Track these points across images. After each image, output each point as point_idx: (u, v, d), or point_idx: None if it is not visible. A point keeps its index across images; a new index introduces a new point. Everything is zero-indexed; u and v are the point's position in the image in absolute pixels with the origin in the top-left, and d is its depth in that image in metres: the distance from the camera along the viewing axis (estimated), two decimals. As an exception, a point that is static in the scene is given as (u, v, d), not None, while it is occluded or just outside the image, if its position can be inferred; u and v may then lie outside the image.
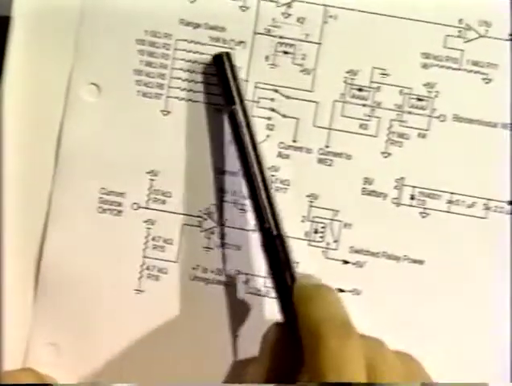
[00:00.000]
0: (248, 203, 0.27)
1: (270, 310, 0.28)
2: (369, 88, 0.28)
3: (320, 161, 0.28)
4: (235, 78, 0.26)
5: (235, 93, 0.26)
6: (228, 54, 0.26)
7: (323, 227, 0.28)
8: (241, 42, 0.28)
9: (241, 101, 0.26)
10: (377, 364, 0.21)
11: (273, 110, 0.28)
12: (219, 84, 0.26)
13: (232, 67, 0.26)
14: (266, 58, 0.28)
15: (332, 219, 0.28)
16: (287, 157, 0.28)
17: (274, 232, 0.24)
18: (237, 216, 0.28)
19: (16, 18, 0.27)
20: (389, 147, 0.28)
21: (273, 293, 0.26)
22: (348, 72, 0.28)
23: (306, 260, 0.28)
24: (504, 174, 0.28)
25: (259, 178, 0.25)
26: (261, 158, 0.25)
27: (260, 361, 0.23)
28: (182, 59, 0.28)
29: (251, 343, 0.26)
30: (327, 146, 0.28)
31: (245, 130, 0.25)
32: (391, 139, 0.28)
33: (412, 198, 0.28)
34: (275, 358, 0.23)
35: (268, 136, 0.28)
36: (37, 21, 0.28)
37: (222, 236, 0.28)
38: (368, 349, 0.21)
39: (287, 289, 0.24)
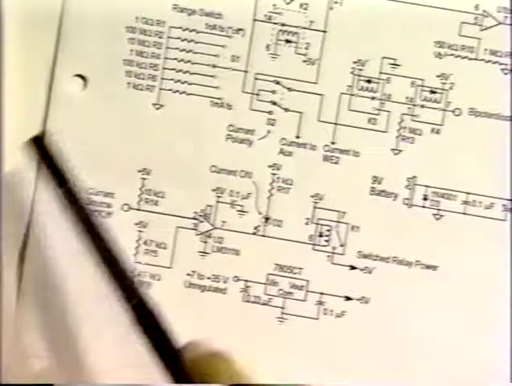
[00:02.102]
0: (245, 203, 0.27)
1: (271, 320, 0.28)
2: (379, 79, 0.27)
3: (326, 158, 0.28)
4: (56, 160, 0.25)
5: (62, 174, 0.25)
6: (42, 137, 0.26)
7: (328, 231, 0.28)
8: (240, 29, 0.27)
9: (69, 182, 0.25)
10: None
11: (274, 103, 0.27)
12: (44, 166, 0.26)
13: (50, 148, 0.25)
14: (267, 47, 0.27)
15: (338, 222, 0.28)
16: (290, 154, 0.28)
17: (133, 301, 0.24)
18: (236, 218, 0.28)
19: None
20: (400, 143, 0.27)
21: (274, 302, 0.27)
22: (355, 63, 0.27)
23: (310, 266, 0.28)
24: (524, 172, 0.28)
25: (108, 255, 0.24)
26: (103, 234, 0.24)
27: None
28: (176, 49, 0.27)
29: (250, 353, 0.27)
30: (333, 143, 0.28)
31: (78, 209, 0.25)
32: (402, 135, 0.27)
33: (425, 198, 0.28)
34: None
35: (269, 131, 0.28)
36: (19, 9, 0.27)
37: (219, 240, 0.28)
38: None
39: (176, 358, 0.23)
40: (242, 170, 0.27)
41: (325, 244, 0.27)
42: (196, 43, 0.27)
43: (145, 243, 0.28)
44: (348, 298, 0.27)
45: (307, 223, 0.27)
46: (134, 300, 0.24)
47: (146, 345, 0.23)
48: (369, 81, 0.27)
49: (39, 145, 0.25)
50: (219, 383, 0.21)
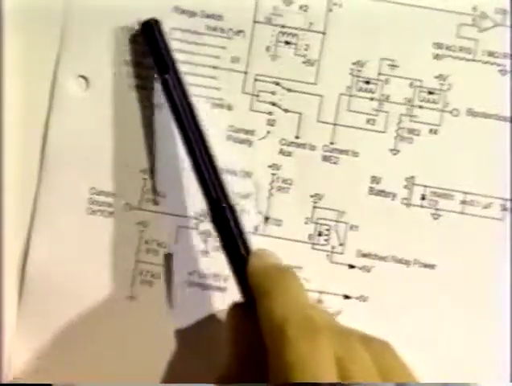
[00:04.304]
0: (245, 203, 0.27)
1: None
2: (377, 80, 0.27)
3: (325, 158, 0.27)
4: (165, 46, 0.26)
5: (167, 61, 0.25)
6: (157, 21, 0.26)
7: (327, 230, 0.27)
8: (240, 31, 0.27)
9: (174, 69, 0.25)
10: (348, 364, 0.20)
11: (274, 104, 0.27)
12: (149, 52, 0.26)
13: (161, 35, 0.26)
14: (267, 48, 0.27)
15: (337, 221, 0.28)
16: (290, 154, 0.27)
17: (223, 204, 0.24)
18: None
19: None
20: (398, 144, 0.27)
21: None
22: (354, 64, 0.27)
23: (309, 265, 0.27)
24: (522, 172, 0.27)
25: (200, 150, 0.25)
26: (200, 127, 0.25)
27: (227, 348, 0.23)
28: (176, 50, 0.27)
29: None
30: (332, 143, 0.27)
31: (179, 100, 0.25)
32: (401, 135, 0.27)
33: (423, 198, 0.27)
34: (237, 343, 0.23)
35: (269, 132, 0.27)
36: (21, 9, 0.27)
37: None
38: (338, 347, 0.20)
39: (243, 262, 0.23)
40: (242, 170, 0.27)
41: (324, 243, 0.27)
42: (197, 44, 0.27)
43: (146, 242, 0.27)
44: (346, 297, 0.27)
45: (306, 223, 0.27)
46: (214, 195, 0.24)
47: (220, 246, 0.24)
48: (367, 82, 0.27)
49: (148, 30, 0.25)
50: (284, 303, 0.21)
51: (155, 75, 0.27)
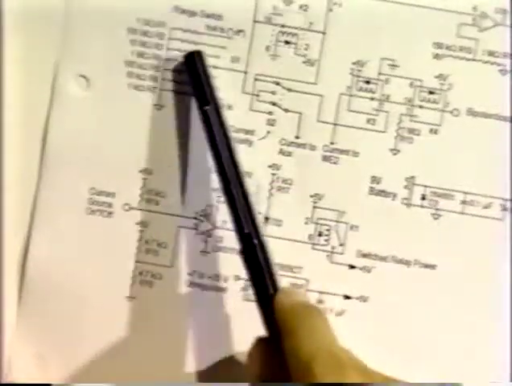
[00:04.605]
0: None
1: None
2: (378, 80, 0.27)
3: (325, 158, 0.27)
4: (207, 78, 0.26)
5: (207, 94, 0.25)
6: (199, 53, 0.26)
7: (327, 230, 0.27)
8: (240, 31, 0.27)
9: (215, 102, 0.25)
10: None
11: (274, 104, 0.27)
12: (191, 83, 0.26)
13: (204, 66, 0.26)
14: (267, 48, 0.27)
15: (337, 221, 0.27)
16: (290, 154, 0.27)
17: (255, 240, 0.24)
18: None
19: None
20: (398, 144, 0.27)
21: None
22: (354, 64, 0.27)
23: (310, 265, 0.27)
24: (522, 172, 0.27)
25: (235, 182, 0.25)
26: (237, 160, 0.25)
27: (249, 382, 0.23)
28: (177, 50, 0.27)
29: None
30: (332, 143, 0.27)
31: (218, 132, 0.25)
32: (401, 135, 0.27)
33: (423, 198, 0.27)
34: (261, 377, 0.23)
35: (269, 132, 0.27)
36: (22, 9, 0.27)
37: (220, 239, 0.27)
38: (362, 381, 0.20)
39: (270, 301, 0.23)
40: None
41: (325, 243, 0.27)
42: (197, 44, 0.27)
43: (146, 242, 0.27)
44: (347, 297, 0.27)
45: (306, 223, 0.27)
46: (246, 230, 0.24)
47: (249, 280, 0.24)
48: (368, 82, 0.27)
49: (191, 61, 0.26)
50: (311, 341, 0.21)
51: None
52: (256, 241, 0.24)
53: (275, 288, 0.23)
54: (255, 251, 0.24)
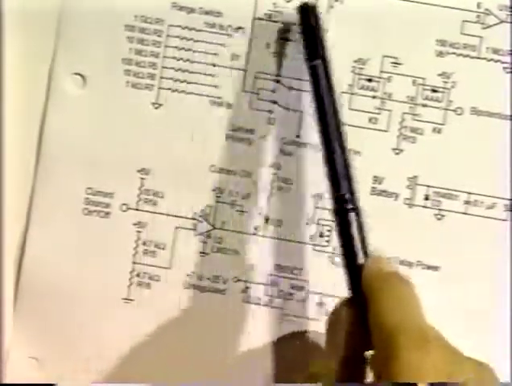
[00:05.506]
0: (245, 203, 0.27)
1: (271, 321, 0.28)
2: (380, 78, 0.27)
3: None
4: (319, 32, 0.25)
5: (319, 48, 0.25)
6: (314, 6, 0.26)
7: (329, 231, 0.27)
8: (240, 28, 0.27)
9: (324, 57, 0.25)
10: (454, 377, 0.20)
11: (274, 102, 0.27)
12: (302, 36, 0.26)
13: (317, 20, 0.25)
14: (267, 45, 0.27)
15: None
16: (290, 154, 0.27)
17: (350, 206, 0.23)
18: (235, 218, 0.27)
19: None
20: (401, 143, 0.27)
21: (274, 303, 0.27)
22: (356, 61, 0.27)
23: (310, 266, 0.27)
24: (527, 172, 0.27)
25: (338, 141, 0.24)
26: (340, 120, 0.25)
27: (330, 343, 0.23)
28: (175, 47, 0.27)
29: (250, 357, 0.27)
30: None
31: (324, 88, 0.24)
32: (403, 134, 0.27)
33: (426, 198, 0.27)
34: (346, 340, 0.22)
35: (269, 131, 0.27)
36: (18, 7, 0.27)
37: (219, 240, 0.27)
38: (447, 362, 0.20)
39: (356, 268, 0.23)
40: (242, 170, 0.27)
41: (326, 244, 0.27)
42: (196, 41, 0.27)
43: (144, 243, 0.27)
44: (348, 299, 0.27)
45: (307, 224, 0.27)
46: (342, 192, 0.24)
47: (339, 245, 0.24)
48: (369, 80, 0.27)
49: (305, 14, 0.25)
50: (397, 312, 0.21)
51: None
52: (351, 206, 0.23)
53: (366, 255, 0.23)
54: (347, 216, 0.23)
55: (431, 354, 0.19)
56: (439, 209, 0.27)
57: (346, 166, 0.24)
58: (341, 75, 0.27)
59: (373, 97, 0.27)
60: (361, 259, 0.23)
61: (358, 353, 0.22)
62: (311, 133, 0.27)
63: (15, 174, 0.27)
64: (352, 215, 0.23)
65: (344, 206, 0.23)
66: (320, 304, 0.27)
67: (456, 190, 0.27)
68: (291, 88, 0.27)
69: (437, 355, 0.20)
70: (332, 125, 0.24)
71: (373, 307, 0.21)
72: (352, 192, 0.24)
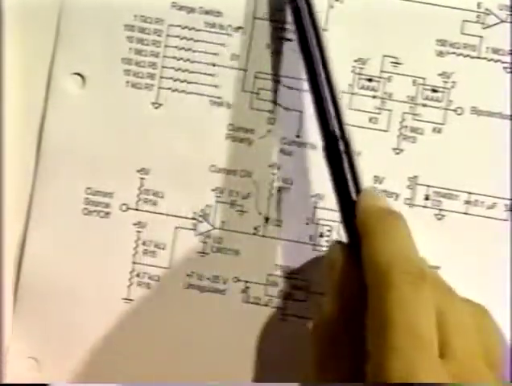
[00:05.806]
0: (245, 203, 0.27)
1: (272, 321, 0.27)
2: (380, 78, 0.27)
3: None
4: None
5: None
6: None
7: (329, 231, 0.27)
8: (240, 28, 0.27)
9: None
10: (448, 317, 0.20)
11: (274, 102, 0.27)
12: None
13: None
14: (267, 45, 0.27)
15: (339, 222, 0.27)
16: (290, 153, 0.27)
17: (340, 142, 0.23)
18: (235, 218, 0.27)
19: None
20: (401, 143, 0.27)
21: (274, 303, 0.27)
22: (356, 61, 0.27)
23: (311, 267, 0.27)
24: (527, 172, 0.27)
25: (324, 80, 0.24)
26: (326, 59, 0.24)
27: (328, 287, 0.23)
28: (175, 47, 0.27)
29: (250, 357, 0.27)
30: None
31: (307, 29, 0.24)
32: (403, 134, 0.27)
33: (427, 198, 0.27)
34: (337, 282, 0.22)
35: (269, 131, 0.27)
36: (17, 6, 0.27)
37: (219, 240, 0.27)
38: (440, 298, 0.20)
39: (351, 202, 0.23)
40: (242, 170, 0.27)
41: (326, 244, 0.27)
42: (195, 41, 0.27)
43: (143, 243, 0.27)
44: (349, 299, 0.27)
45: (307, 224, 0.27)
46: (331, 128, 0.23)
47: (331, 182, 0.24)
48: (370, 80, 0.27)
49: None
50: (390, 247, 0.21)
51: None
52: (341, 141, 0.23)
53: (358, 190, 0.23)
54: (338, 150, 0.23)
55: (424, 290, 0.19)
56: (440, 209, 0.27)
57: (335, 102, 0.24)
58: (341, 75, 0.27)
59: (374, 97, 0.27)
60: (353, 195, 0.23)
61: (355, 296, 0.22)
62: (311, 133, 0.27)
63: (15, 174, 0.27)
64: (342, 150, 0.23)
65: (334, 142, 0.23)
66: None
67: (456, 190, 0.27)
68: (290, 88, 0.27)
69: (430, 292, 0.20)
70: (317, 64, 0.24)
71: (367, 243, 0.21)
72: (342, 129, 0.24)
